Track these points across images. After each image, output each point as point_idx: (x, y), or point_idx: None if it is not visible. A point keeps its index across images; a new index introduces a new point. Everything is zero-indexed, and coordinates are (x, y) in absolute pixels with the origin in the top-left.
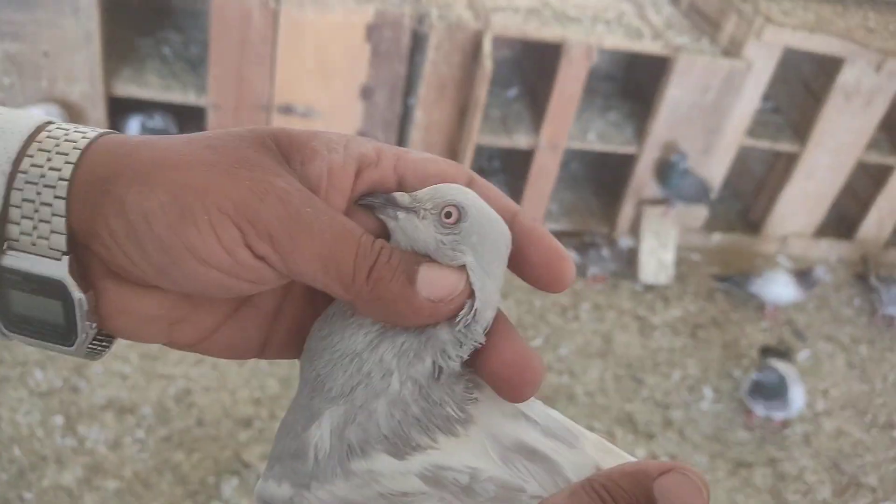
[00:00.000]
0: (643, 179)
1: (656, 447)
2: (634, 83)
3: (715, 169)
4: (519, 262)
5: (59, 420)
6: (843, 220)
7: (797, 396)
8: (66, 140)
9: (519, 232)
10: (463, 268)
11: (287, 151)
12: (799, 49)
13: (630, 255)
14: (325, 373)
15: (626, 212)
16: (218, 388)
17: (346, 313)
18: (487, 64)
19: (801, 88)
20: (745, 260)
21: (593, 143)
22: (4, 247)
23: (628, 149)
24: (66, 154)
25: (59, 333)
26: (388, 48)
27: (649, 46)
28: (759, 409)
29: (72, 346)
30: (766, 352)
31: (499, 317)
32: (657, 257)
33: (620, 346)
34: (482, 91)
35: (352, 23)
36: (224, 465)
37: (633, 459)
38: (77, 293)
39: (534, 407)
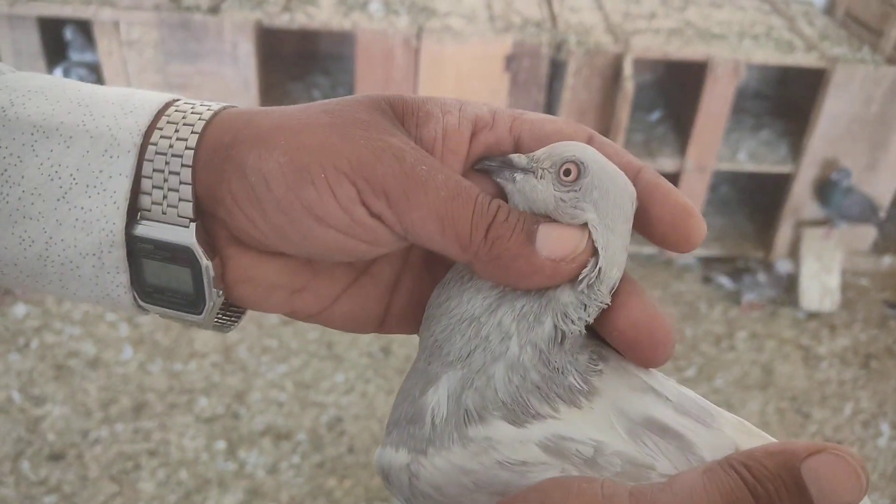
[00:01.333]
0: (801, 200)
1: None
2: (787, 100)
3: (882, 186)
4: (643, 221)
5: (221, 445)
6: None
7: None
8: (192, 113)
9: (643, 188)
10: (585, 226)
11: (402, 114)
12: None
13: (789, 281)
14: (442, 338)
15: (784, 235)
16: (367, 417)
17: (463, 278)
18: (628, 87)
19: None
20: None
21: (744, 163)
22: (138, 217)
23: (783, 168)
24: (192, 125)
25: (189, 301)
26: (526, 77)
27: (802, 59)
28: None
29: (200, 314)
30: None
31: (625, 277)
32: (820, 282)
33: (783, 378)
34: (623, 115)
35: (490, 54)
36: (374, 493)
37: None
38: (205, 259)
39: (665, 382)
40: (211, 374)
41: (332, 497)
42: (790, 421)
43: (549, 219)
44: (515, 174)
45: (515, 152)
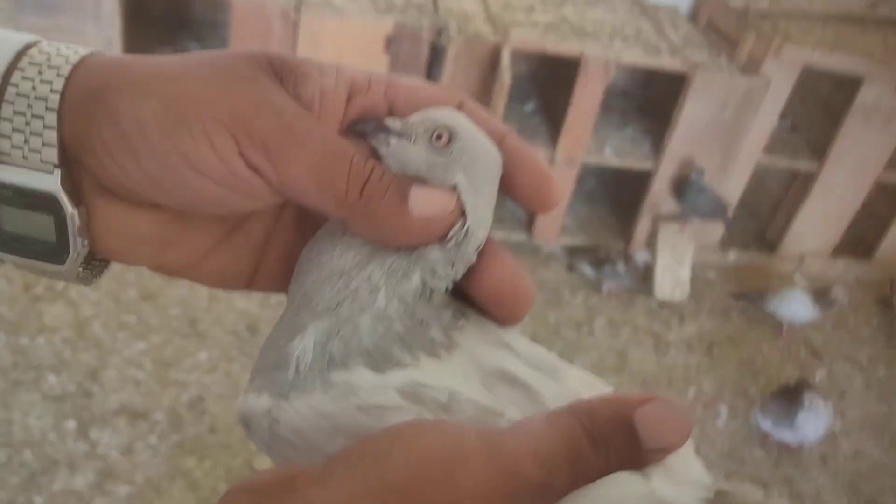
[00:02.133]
0: (660, 195)
1: None
2: (651, 100)
3: (732, 186)
4: (508, 184)
5: (71, 424)
6: (861, 239)
7: (811, 424)
8: (57, 55)
9: (507, 154)
10: (454, 188)
11: (280, 73)
12: (818, 67)
13: (646, 272)
14: (312, 289)
15: (643, 228)
16: (231, 396)
17: (335, 235)
18: (506, 77)
19: (820, 107)
20: (762, 278)
21: (610, 158)
22: None
23: (645, 164)
24: (58, 68)
25: (51, 251)
26: (406, 60)
27: (667, 63)
28: (773, 433)
29: (63, 263)
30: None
31: (489, 239)
32: (673, 274)
33: (635, 363)
34: (500, 104)
35: (371, 34)
36: (236, 473)
37: None
38: (69, 207)
39: (519, 340)
40: (61, 350)
41: (191, 477)
42: None
43: (422, 181)
44: (390, 138)
45: (390, 114)
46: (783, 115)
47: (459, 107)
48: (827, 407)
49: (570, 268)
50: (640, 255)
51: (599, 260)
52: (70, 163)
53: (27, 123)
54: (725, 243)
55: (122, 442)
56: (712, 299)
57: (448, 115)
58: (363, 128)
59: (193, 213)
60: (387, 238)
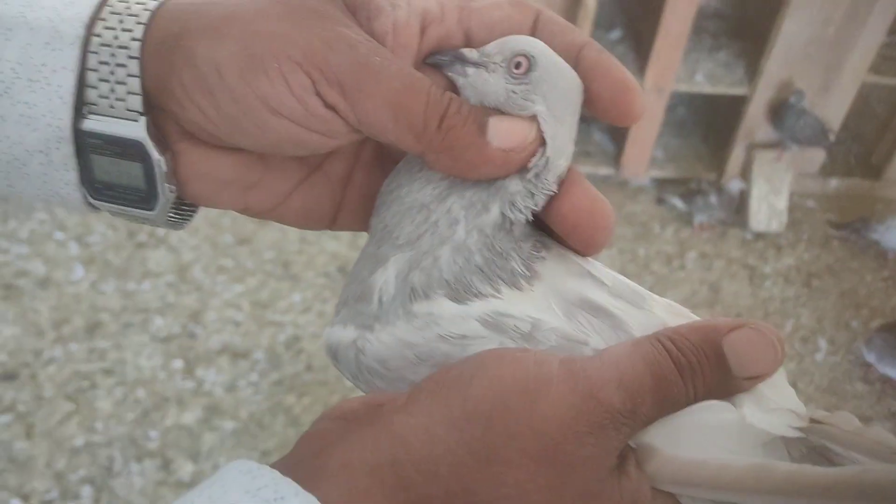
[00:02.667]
0: (755, 122)
1: None
2: (746, 20)
3: (834, 109)
4: (586, 97)
5: (178, 363)
6: None
7: None
8: (136, 3)
9: (585, 65)
10: (534, 117)
11: (353, 7)
12: None
13: (740, 202)
14: (392, 223)
15: (737, 157)
16: None
17: (413, 169)
18: (590, 3)
19: None
20: (866, 206)
21: (702, 84)
22: (85, 111)
23: (739, 90)
24: (137, 15)
25: (141, 198)
26: None
27: None
28: (877, 366)
29: (153, 209)
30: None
31: (571, 169)
32: (769, 204)
33: (729, 296)
34: (585, 32)
35: None
36: None
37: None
38: (156, 154)
39: (602, 270)
40: (166, 293)
41: (292, 413)
42: None
43: (500, 111)
44: (467, 68)
45: (465, 45)
46: (891, 30)
47: (536, 18)
48: None
49: (660, 201)
50: (734, 186)
51: (690, 192)
52: (155, 110)
53: (111, 73)
54: (826, 170)
55: (225, 380)
56: (811, 229)
57: (526, 42)
58: (439, 59)
59: (274, 154)
60: (465, 171)
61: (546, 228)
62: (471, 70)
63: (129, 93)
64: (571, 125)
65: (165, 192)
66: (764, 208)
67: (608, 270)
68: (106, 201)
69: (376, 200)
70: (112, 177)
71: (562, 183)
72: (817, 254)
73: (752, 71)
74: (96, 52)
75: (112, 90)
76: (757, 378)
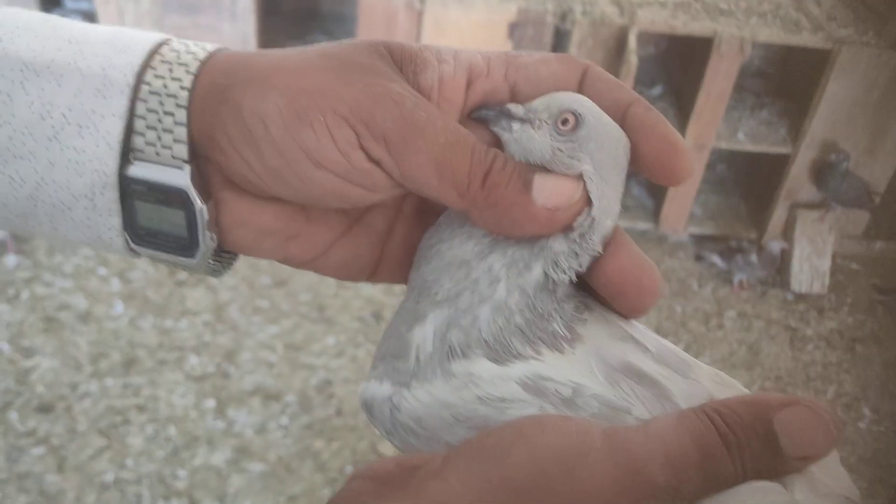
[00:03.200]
0: (797, 181)
1: None
2: (789, 80)
3: (879, 171)
4: (633, 155)
5: (210, 403)
6: None
7: None
8: (186, 53)
9: (633, 123)
10: (580, 176)
11: (399, 61)
12: None
13: (781, 262)
14: (432, 279)
15: (778, 216)
16: (357, 380)
17: (455, 223)
18: (632, 60)
19: None
20: None
21: (743, 143)
22: (131, 158)
23: (782, 149)
24: (187, 65)
25: (182, 245)
26: (529, 46)
27: (809, 40)
28: None
29: (194, 257)
30: None
31: (617, 229)
32: (812, 265)
33: (769, 358)
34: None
35: (494, 21)
36: (361, 456)
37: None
38: (199, 202)
39: (646, 333)
40: (202, 332)
41: (320, 458)
42: None
43: (545, 169)
44: (513, 124)
45: (512, 100)
46: None
47: (584, 75)
48: None
49: (699, 258)
50: (774, 245)
51: (730, 250)
52: (199, 158)
53: (159, 120)
54: (871, 232)
55: (256, 421)
56: (855, 293)
57: (574, 99)
58: (485, 114)
59: (316, 206)
60: (509, 229)
61: (587, 287)
62: (516, 126)
63: (175, 141)
64: (618, 185)
65: (206, 240)
66: (806, 269)
67: (652, 334)
68: (147, 247)
69: (416, 254)
70: (154, 223)
71: (607, 244)
72: (861, 318)
73: (795, 130)
74: (145, 100)
75: (159, 137)
76: (809, 459)
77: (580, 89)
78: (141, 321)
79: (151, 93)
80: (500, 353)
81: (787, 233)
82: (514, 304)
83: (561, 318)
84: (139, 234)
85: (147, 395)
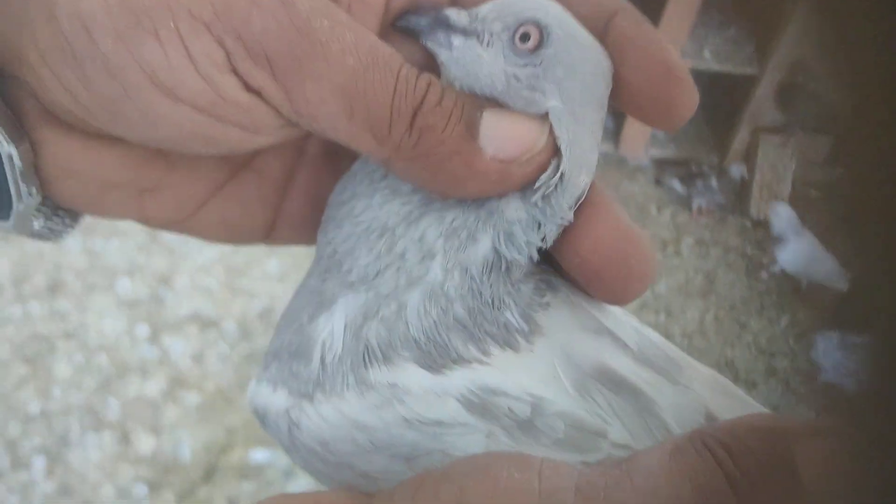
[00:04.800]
0: (762, 104)
1: (758, 397)
2: None
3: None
4: (615, 84)
5: (144, 330)
6: None
7: None
8: None
9: (616, 40)
10: (545, 115)
11: None
12: None
13: (742, 188)
14: (343, 250)
15: (741, 140)
16: None
17: (375, 174)
18: None
19: None
20: None
21: (709, 62)
22: None
23: (748, 69)
24: None
25: None
26: None
27: None
28: None
29: (7, 219)
30: None
31: (593, 187)
32: (772, 191)
33: (724, 287)
34: None
35: None
36: None
37: (759, 407)
38: (6, 145)
39: (625, 323)
40: (135, 254)
41: None
42: (727, 330)
43: (497, 103)
44: (452, 38)
45: (452, 4)
46: None
47: None
48: None
49: (658, 182)
50: (735, 170)
51: (690, 174)
52: (6, 82)
53: None
54: (832, 159)
55: (192, 349)
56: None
57: (537, 5)
58: (415, 23)
59: (176, 151)
60: (446, 187)
61: (550, 260)
62: (458, 41)
63: None
64: (595, 126)
65: (23, 195)
66: (766, 195)
67: (632, 322)
68: None
69: (325, 212)
70: None
71: (581, 208)
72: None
73: (764, 50)
74: None
75: None
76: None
77: None
78: (67, 241)
79: None
80: (434, 357)
81: (749, 157)
82: (453, 290)
83: (515, 303)
84: None
85: (75, 321)
